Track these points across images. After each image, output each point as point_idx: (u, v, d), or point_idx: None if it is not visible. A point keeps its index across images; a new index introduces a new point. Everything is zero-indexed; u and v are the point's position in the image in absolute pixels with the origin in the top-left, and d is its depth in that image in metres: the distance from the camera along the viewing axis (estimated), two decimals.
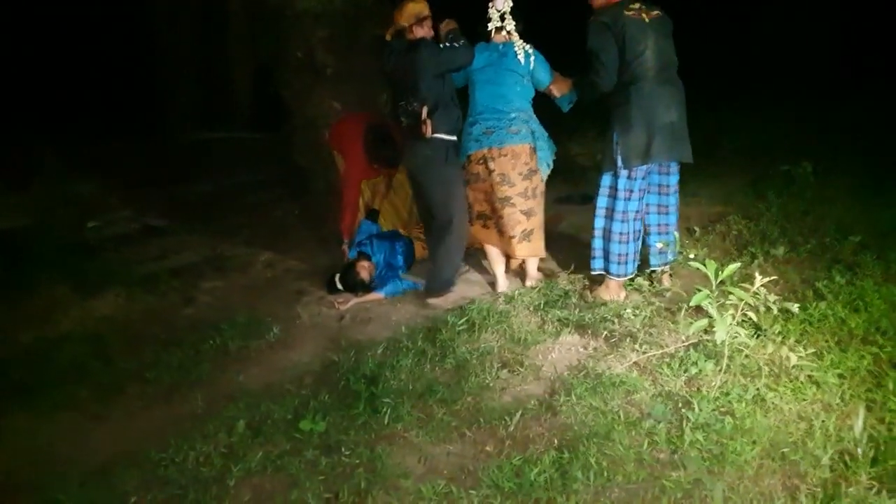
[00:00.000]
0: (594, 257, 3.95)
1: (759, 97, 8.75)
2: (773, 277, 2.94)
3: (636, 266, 3.91)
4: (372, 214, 4.94)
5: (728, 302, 2.82)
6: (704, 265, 2.78)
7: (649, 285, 3.99)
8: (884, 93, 7.92)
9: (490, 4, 3.96)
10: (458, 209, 4.09)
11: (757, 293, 2.75)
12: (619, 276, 3.86)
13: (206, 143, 8.70)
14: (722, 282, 2.81)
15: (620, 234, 3.79)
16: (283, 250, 5.51)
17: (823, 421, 2.60)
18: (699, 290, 2.86)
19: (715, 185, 5.96)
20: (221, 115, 8.62)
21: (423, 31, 4.00)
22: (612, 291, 3.92)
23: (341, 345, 3.72)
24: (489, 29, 4.00)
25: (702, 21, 10.20)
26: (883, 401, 2.70)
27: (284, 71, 6.17)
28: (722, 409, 2.73)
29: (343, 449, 2.72)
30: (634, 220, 3.82)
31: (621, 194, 3.76)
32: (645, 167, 3.73)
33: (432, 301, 4.21)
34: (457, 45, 3.92)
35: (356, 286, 4.39)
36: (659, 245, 3.84)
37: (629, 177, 3.73)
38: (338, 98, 5.98)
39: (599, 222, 3.88)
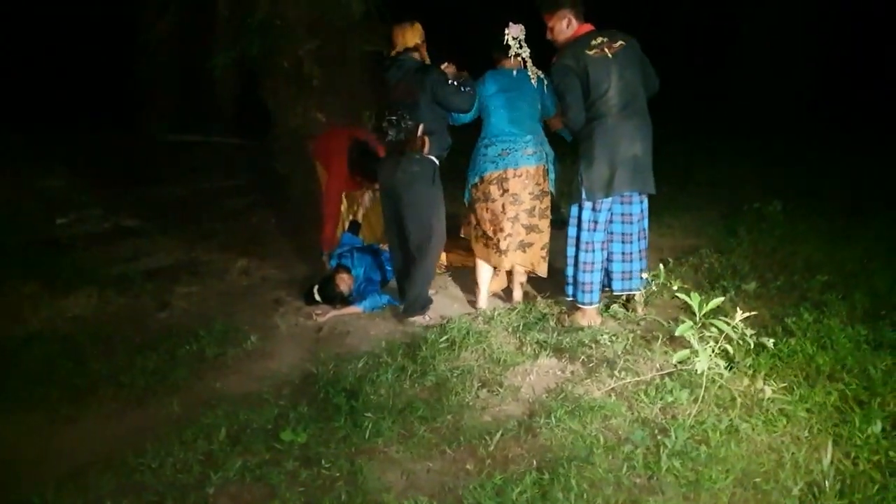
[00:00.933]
0: (566, 283, 4.05)
1: (733, 133, 9.03)
2: (752, 313, 3.02)
3: (600, 294, 4.01)
4: (353, 227, 4.95)
5: (708, 334, 2.90)
6: (689, 297, 2.86)
7: (625, 312, 4.07)
8: (852, 136, 8.25)
9: (506, 32, 4.00)
10: (438, 230, 4.14)
11: (736, 327, 2.84)
12: (584, 304, 3.96)
13: (184, 145, 8.61)
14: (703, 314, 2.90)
15: (585, 263, 3.90)
16: (260, 258, 5.48)
17: (793, 453, 2.68)
18: (677, 320, 2.95)
19: (687, 218, 6.12)
20: (202, 118, 8.55)
21: (425, 54, 4.13)
22: (588, 317, 3.99)
23: (320, 357, 3.71)
24: (509, 55, 4.03)
25: (679, 57, 10.54)
26: (849, 436, 2.80)
27: (270, 79, 6.18)
28: (697, 438, 2.79)
29: (323, 461, 2.72)
30: (600, 250, 3.91)
31: (586, 225, 3.87)
32: (609, 199, 3.83)
33: (410, 319, 4.22)
34: (465, 88, 4.01)
35: (334, 298, 4.39)
36: (622, 272, 3.96)
37: (593, 209, 3.84)
38: (322, 110, 6.01)
39: (570, 251, 3.98)
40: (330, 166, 4.90)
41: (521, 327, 3.95)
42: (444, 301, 4.51)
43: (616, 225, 3.98)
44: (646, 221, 4.04)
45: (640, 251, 4.02)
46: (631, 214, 3.96)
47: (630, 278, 4.01)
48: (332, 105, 6.00)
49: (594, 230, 3.87)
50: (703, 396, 3.01)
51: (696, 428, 2.85)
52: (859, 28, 10.02)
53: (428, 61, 4.14)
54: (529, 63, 4.06)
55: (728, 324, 2.82)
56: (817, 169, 7.38)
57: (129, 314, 4.33)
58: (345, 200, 5.04)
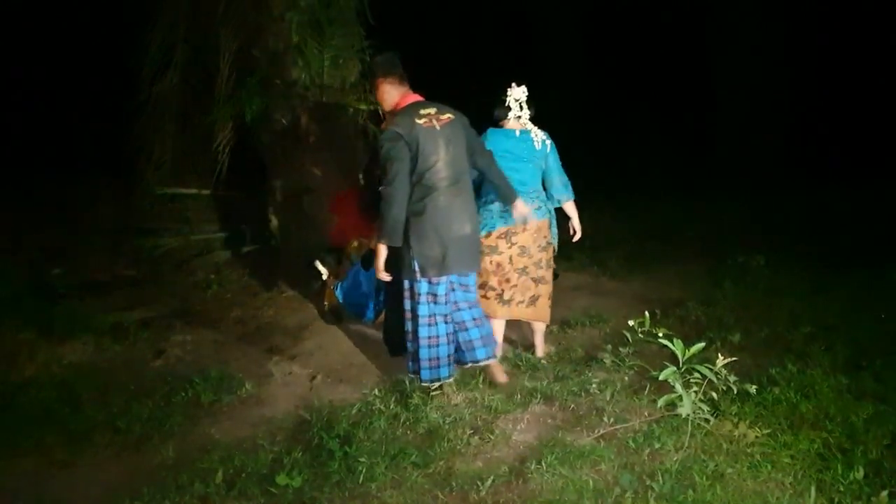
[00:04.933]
0: (408, 360, 3.84)
1: (715, 187, 9.27)
2: (733, 359, 3.12)
3: (452, 368, 3.78)
4: (367, 260, 4.77)
5: (692, 380, 2.99)
6: (672, 343, 2.96)
7: (613, 360, 4.14)
8: (829, 188, 8.52)
9: (507, 93, 4.11)
10: None
11: (718, 373, 2.94)
12: (429, 380, 3.71)
13: (179, 196, 8.73)
14: (687, 361, 3.00)
15: (429, 337, 3.68)
16: (254, 307, 5.56)
17: (778, 497, 2.75)
18: (668, 367, 3.04)
19: (673, 270, 6.26)
20: (197, 170, 8.69)
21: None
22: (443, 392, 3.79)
23: (313, 404, 3.76)
24: (509, 117, 4.14)
25: (664, 111, 10.90)
26: (832, 482, 2.87)
27: (267, 134, 6.37)
28: (684, 482, 2.86)
29: None
30: (445, 322, 3.72)
31: (423, 298, 3.68)
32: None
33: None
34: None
35: (339, 262, 4.43)
36: (481, 337, 3.79)
37: (430, 282, 3.68)
38: (317, 165, 6.18)
39: (409, 325, 3.78)
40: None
41: (512, 376, 4.03)
42: None
43: (458, 293, 3.78)
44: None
45: (482, 316, 3.89)
46: (468, 285, 3.83)
47: (489, 344, 3.84)
48: (327, 160, 6.18)
49: (434, 302, 3.68)
50: (689, 442, 3.08)
51: (683, 473, 2.91)
52: (833, 81, 10.42)
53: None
54: (531, 125, 4.16)
55: (711, 369, 2.92)
56: (797, 222, 7.60)
57: (124, 362, 4.38)
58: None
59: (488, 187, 4.18)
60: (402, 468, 3.06)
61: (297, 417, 3.62)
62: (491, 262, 4.21)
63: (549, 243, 4.26)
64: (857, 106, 10.09)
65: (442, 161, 3.60)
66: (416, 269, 3.65)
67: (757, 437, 3.03)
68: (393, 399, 3.74)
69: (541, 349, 4.37)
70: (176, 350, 4.61)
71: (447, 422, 3.48)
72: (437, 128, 3.60)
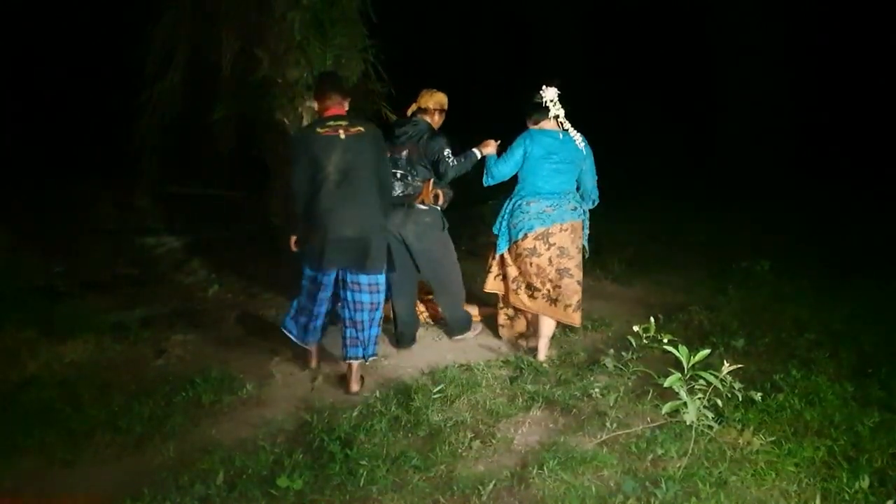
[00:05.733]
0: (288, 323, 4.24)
1: (719, 192, 9.25)
2: (739, 366, 3.10)
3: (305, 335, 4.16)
4: None
5: (697, 386, 2.97)
6: (678, 349, 2.94)
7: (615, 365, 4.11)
8: (838, 194, 8.49)
9: (541, 94, 4.17)
10: (454, 265, 4.57)
11: (723, 379, 2.92)
12: (294, 337, 4.18)
13: (181, 196, 8.72)
14: (692, 367, 2.97)
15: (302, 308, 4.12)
16: (255, 308, 5.53)
17: None
18: (667, 374, 3.02)
19: (676, 275, 6.24)
20: (199, 170, 8.69)
21: (437, 119, 4.48)
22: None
23: (314, 405, 3.74)
24: (549, 117, 4.19)
25: (666, 113, 10.88)
26: (837, 491, 2.85)
27: (268, 135, 6.35)
28: (687, 490, 2.84)
29: None
30: (323, 301, 4.04)
31: (308, 279, 4.05)
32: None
33: (457, 338, 4.72)
34: (453, 162, 4.29)
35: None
36: (349, 338, 3.97)
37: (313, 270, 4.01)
38: None
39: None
40: None
41: (516, 379, 4.01)
42: (439, 351, 4.56)
43: (347, 292, 3.97)
44: (380, 296, 4.02)
45: (370, 321, 4.00)
46: (358, 283, 3.94)
47: (356, 346, 3.98)
48: None
49: (316, 287, 4.00)
50: (693, 449, 3.06)
51: (687, 480, 2.89)
52: (837, 83, 10.39)
53: (436, 127, 4.46)
54: (568, 125, 4.22)
55: (716, 376, 2.90)
56: (801, 227, 7.58)
57: (125, 361, 4.35)
58: None
59: (529, 188, 4.22)
60: (404, 471, 3.05)
61: (297, 419, 3.60)
62: (531, 264, 4.22)
63: (581, 244, 4.31)
64: (861, 108, 10.05)
65: (333, 165, 3.82)
66: (304, 259, 4.04)
67: (761, 444, 3.01)
68: (393, 401, 3.73)
69: (543, 353, 4.35)
70: (177, 350, 4.59)
71: (448, 425, 3.46)
72: (342, 136, 3.84)
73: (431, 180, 4.33)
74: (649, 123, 11.20)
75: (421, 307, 5.02)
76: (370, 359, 4.05)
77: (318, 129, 3.87)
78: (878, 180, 8.79)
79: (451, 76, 4.70)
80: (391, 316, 4.59)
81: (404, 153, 4.34)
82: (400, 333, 4.61)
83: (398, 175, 4.31)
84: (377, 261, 3.92)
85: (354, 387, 3.96)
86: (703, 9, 10.52)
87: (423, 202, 4.36)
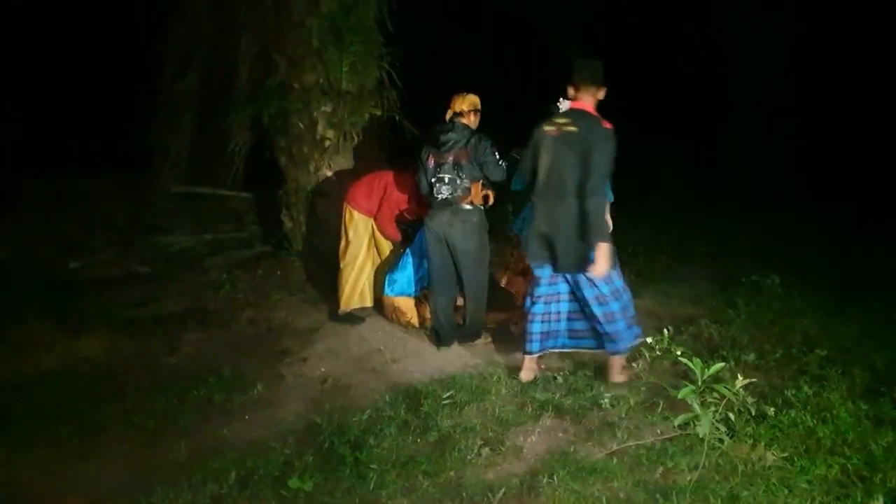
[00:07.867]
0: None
1: (727, 204, 9.21)
2: (752, 380, 3.10)
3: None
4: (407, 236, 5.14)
5: (709, 399, 2.97)
6: (691, 362, 2.94)
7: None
8: (849, 207, 8.43)
9: (559, 107, 4.18)
10: (486, 269, 4.68)
11: (737, 393, 2.91)
12: (526, 352, 4.16)
13: (194, 196, 8.78)
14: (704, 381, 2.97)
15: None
16: (266, 309, 5.55)
17: None
18: (678, 386, 3.02)
19: (685, 287, 6.20)
20: (213, 170, 8.74)
21: (472, 120, 4.52)
22: (526, 367, 4.18)
23: (324, 408, 3.76)
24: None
25: (675, 124, 10.85)
26: None
27: (284, 138, 6.40)
28: (699, 503, 2.83)
29: None
30: (545, 303, 4.10)
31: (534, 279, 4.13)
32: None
33: (468, 343, 4.71)
34: (503, 163, 4.41)
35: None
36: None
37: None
38: (332, 168, 6.21)
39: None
40: (380, 206, 5.02)
41: (525, 388, 4.01)
42: (448, 356, 4.57)
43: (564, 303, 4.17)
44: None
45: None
46: (559, 294, 4.13)
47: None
48: (343, 164, 6.21)
49: (538, 284, 4.10)
50: (704, 462, 3.05)
51: (697, 493, 2.89)
52: (849, 97, 10.33)
53: (475, 127, 4.52)
54: None
55: (729, 390, 2.90)
56: (812, 240, 7.52)
57: (139, 357, 4.39)
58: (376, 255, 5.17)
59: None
60: (413, 476, 3.06)
61: (307, 421, 3.62)
62: None
63: None
64: (873, 120, 9.96)
65: (545, 164, 3.95)
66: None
67: (774, 459, 3.00)
68: (403, 406, 3.74)
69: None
70: (189, 348, 4.62)
71: (458, 431, 3.47)
72: (558, 135, 3.93)
73: (480, 181, 4.43)
74: (656, 133, 11.18)
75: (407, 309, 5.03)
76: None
77: (546, 127, 3.99)
78: (890, 193, 8.73)
79: (465, 84, 4.71)
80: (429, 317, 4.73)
81: (450, 158, 4.40)
82: (443, 330, 4.67)
83: (445, 179, 4.39)
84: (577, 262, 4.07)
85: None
86: (711, 18, 10.50)
87: (471, 202, 4.43)
